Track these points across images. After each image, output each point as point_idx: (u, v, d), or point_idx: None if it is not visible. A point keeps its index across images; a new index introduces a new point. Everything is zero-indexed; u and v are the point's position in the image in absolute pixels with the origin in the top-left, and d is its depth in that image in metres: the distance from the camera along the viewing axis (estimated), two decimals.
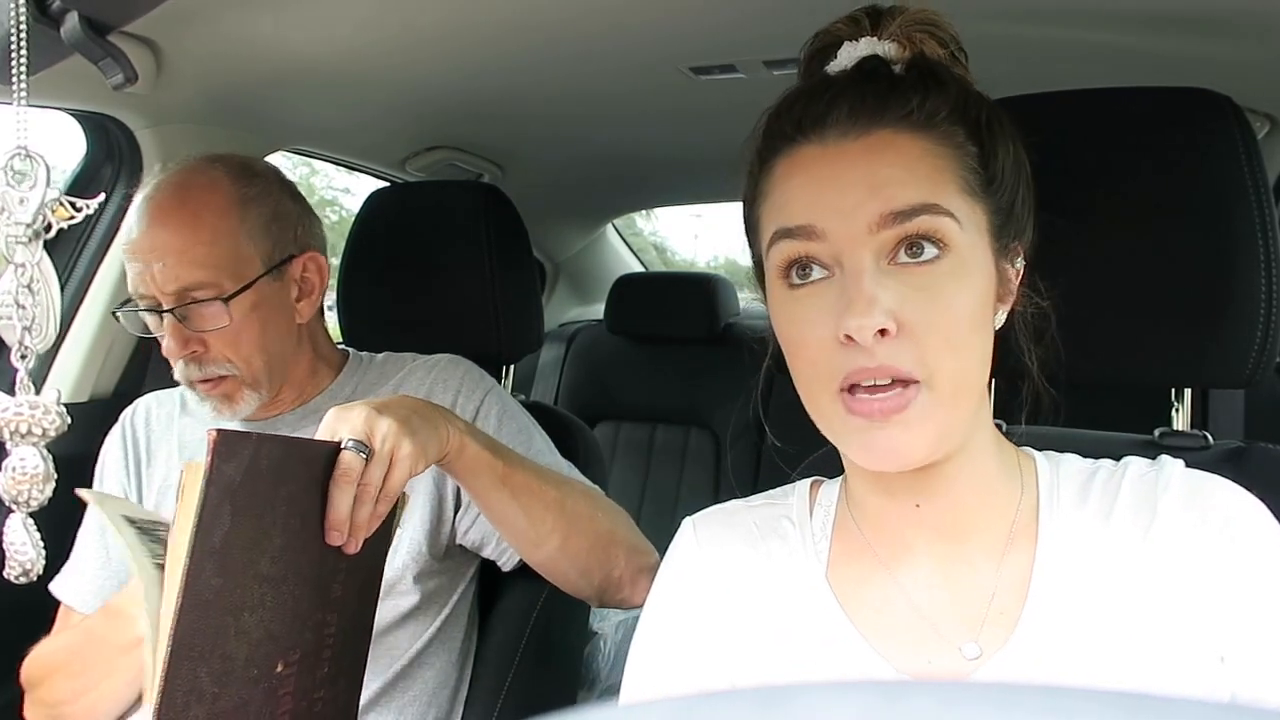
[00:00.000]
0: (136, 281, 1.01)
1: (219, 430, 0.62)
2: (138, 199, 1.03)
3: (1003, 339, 0.68)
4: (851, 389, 0.59)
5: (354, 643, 0.82)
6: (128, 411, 1.18)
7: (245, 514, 0.66)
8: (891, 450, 0.59)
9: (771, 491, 0.76)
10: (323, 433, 0.76)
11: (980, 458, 0.65)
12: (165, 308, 1.00)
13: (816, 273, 0.60)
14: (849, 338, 0.57)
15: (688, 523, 0.75)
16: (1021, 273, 0.67)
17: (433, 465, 0.82)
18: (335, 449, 0.74)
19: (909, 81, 0.62)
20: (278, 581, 0.69)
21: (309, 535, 0.72)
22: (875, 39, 0.65)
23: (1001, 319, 0.66)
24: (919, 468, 0.62)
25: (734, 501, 0.76)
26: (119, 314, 1.09)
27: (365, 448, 0.74)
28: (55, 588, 1.10)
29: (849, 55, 0.65)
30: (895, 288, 0.58)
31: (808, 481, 0.76)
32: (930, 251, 0.59)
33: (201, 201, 1.02)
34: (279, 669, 0.71)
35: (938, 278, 0.59)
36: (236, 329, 1.02)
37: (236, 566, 0.66)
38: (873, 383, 0.58)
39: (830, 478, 0.75)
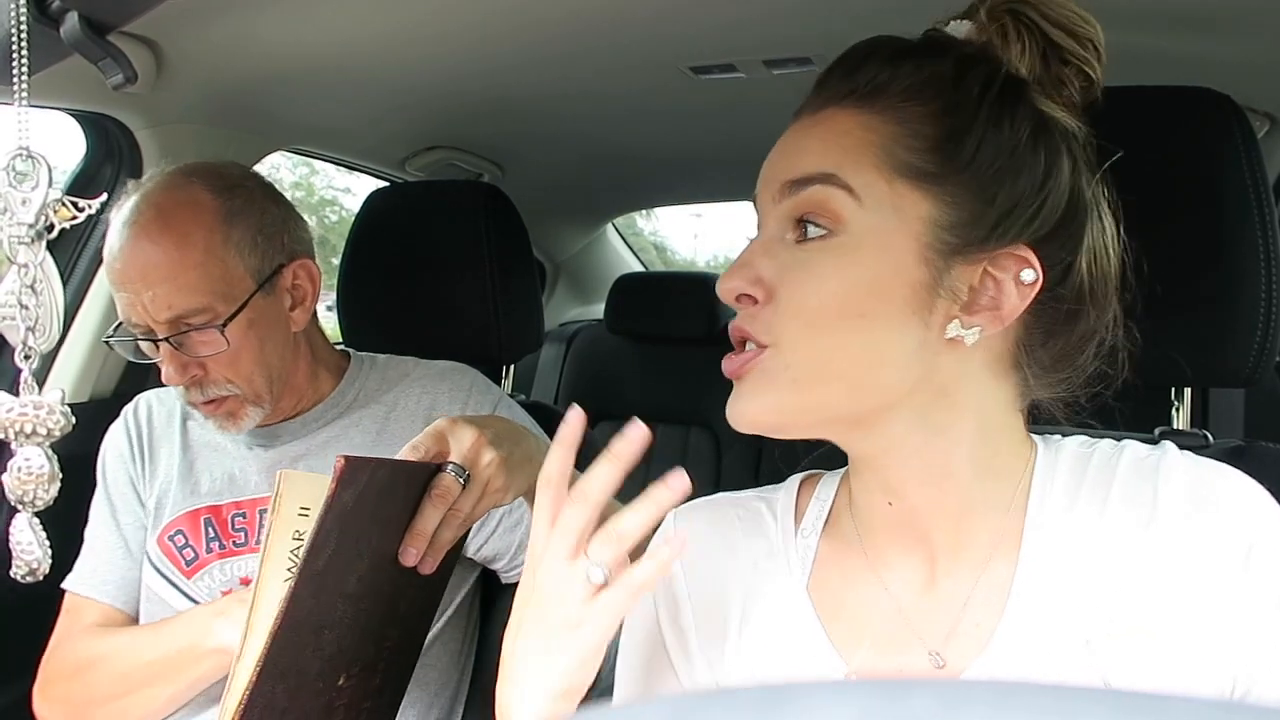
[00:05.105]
0: (127, 310, 0.98)
1: (346, 458, 0.61)
2: (117, 221, 0.99)
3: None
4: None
5: (406, 656, 0.81)
6: (129, 407, 1.17)
7: (347, 537, 0.65)
8: (731, 410, 0.60)
9: (764, 487, 0.74)
10: (426, 440, 0.76)
11: (947, 454, 0.60)
12: (160, 336, 0.97)
13: None
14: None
15: (670, 516, 0.72)
16: (1032, 285, 0.57)
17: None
18: (435, 470, 0.73)
19: (874, 58, 0.60)
20: (358, 599, 0.69)
21: (392, 554, 0.71)
22: (962, 21, 0.62)
23: (973, 336, 0.57)
24: (866, 460, 0.62)
25: (723, 494, 0.73)
26: (111, 342, 1.05)
27: (464, 472, 0.74)
28: (71, 583, 1.09)
29: None
30: (782, 259, 0.58)
31: (800, 476, 0.72)
32: (815, 231, 0.57)
33: (186, 222, 0.98)
34: (340, 681, 0.70)
35: (813, 253, 0.57)
36: (235, 350, 0.99)
37: (329, 587, 0.65)
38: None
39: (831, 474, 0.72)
